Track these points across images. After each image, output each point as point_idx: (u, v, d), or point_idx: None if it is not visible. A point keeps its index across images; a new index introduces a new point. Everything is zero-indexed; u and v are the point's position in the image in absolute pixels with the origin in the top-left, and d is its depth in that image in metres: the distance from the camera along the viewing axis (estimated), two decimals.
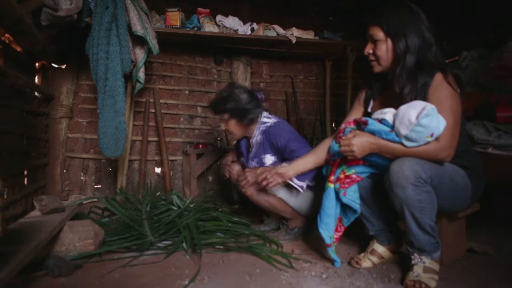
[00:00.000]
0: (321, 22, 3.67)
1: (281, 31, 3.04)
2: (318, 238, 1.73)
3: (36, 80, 2.63)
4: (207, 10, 3.02)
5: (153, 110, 3.12)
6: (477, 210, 1.71)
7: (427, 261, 1.41)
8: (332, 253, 1.61)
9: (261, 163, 2.08)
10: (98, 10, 2.20)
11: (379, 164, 1.49)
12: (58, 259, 1.54)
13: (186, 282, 1.45)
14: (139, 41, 2.43)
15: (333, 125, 3.68)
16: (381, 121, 1.43)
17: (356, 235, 1.91)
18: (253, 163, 2.14)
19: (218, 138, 3.13)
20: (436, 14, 1.75)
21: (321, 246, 1.79)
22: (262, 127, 2.10)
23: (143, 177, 3.01)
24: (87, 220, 1.85)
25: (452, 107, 1.39)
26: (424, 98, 1.42)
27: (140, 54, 2.46)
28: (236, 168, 2.26)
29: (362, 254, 1.65)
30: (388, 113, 1.43)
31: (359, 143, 1.41)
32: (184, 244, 1.82)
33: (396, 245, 1.67)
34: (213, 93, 3.30)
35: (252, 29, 3.03)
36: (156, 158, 3.14)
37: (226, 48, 3.34)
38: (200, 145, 3.11)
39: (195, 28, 2.88)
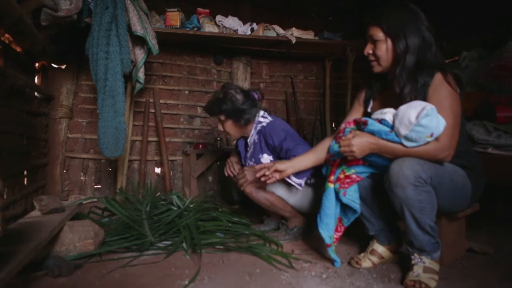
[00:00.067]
0: (321, 22, 3.67)
1: (281, 31, 3.04)
2: (318, 238, 1.73)
3: (36, 80, 2.63)
4: (207, 10, 3.02)
5: (153, 110, 3.12)
6: (477, 210, 1.71)
7: (427, 261, 1.42)
8: (332, 253, 1.61)
9: (258, 163, 2.08)
10: (98, 10, 2.20)
11: (379, 164, 1.49)
12: (58, 259, 1.54)
13: (186, 282, 1.45)
14: (138, 41, 2.43)
15: (333, 125, 3.68)
16: (381, 121, 1.43)
17: (356, 235, 1.91)
18: (250, 163, 2.15)
19: (218, 138, 3.13)
20: (436, 14, 1.75)
21: (321, 246, 1.79)
22: (258, 126, 2.11)
23: (143, 177, 3.01)
24: (87, 220, 1.85)
25: (451, 107, 1.39)
26: (424, 98, 1.42)
27: (140, 54, 2.46)
28: (237, 167, 2.27)
29: (362, 254, 1.65)
30: (387, 113, 1.43)
31: (359, 143, 1.41)
32: (184, 244, 1.82)
33: (396, 245, 1.67)
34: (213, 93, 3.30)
35: (252, 29, 3.03)
36: (156, 158, 3.14)
37: (226, 48, 3.34)
38: (200, 145, 3.11)
39: (195, 28, 2.88)
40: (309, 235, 2.04)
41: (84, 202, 2.24)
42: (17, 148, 2.07)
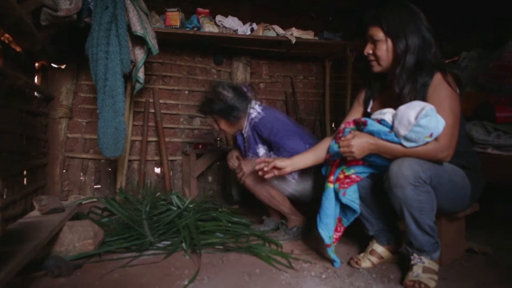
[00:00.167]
0: (321, 22, 3.67)
1: (280, 31, 3.04)
2: (317, 238, 1.72)
3: (36, 80, 2.63)
4: (207, 10, 3.02)
5: (152, 110, 3.12)
6: (476, 210, 1.71)
7: (427, 261, 1.42)
8: (331, 253, 1.61)
9: (256, 154, 2.11)
10: (98, 10, 2.20)
11: (379, 164, 1.49)
12: (58, 259, 1.54)
13: (186, 282, 1.45)
14: (138, 41, 2.43)
15: (333, 125, 3.68)
16: (380, 121, 1.43)
17: (355, 235, 1.91)
18: (250, 155, 2.18)
19: (218, 138, 3.13)
20: (436, 14, 1.75)
21: (320, 246, 1.79)
22: (250, 119, 2.12)
23: (143, 177, 3.01)
24: (86, 220, 1.85)
25: (451, 107, 1.39)
26: (424, 98, 1.42)
27: (139, 54, 2.46)
28: (236, 161, 2.29)
29: (362, 254, 1.65)
30: (387, 114, 1.43)
31: (358, 144, 1.41)
32: (183, 244, 1.82)
33: (396, 245, 1.67)
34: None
35: (252, 29, 3.03)
36: (156, 158, 3.14)
37: (226, 48, 3.34)
38: (200, 145, 3.11)
39: (195, 28, 2.88)
40: (309, 235, 2.04)
41: (83, 202, 2.25)
42: (16, 148, 2.07)
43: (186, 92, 3.30)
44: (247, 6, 3.44)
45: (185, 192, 3.06)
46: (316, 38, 3.19)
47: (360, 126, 1.50)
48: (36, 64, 2.60)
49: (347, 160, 1.53)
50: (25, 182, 2.25)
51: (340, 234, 1.66)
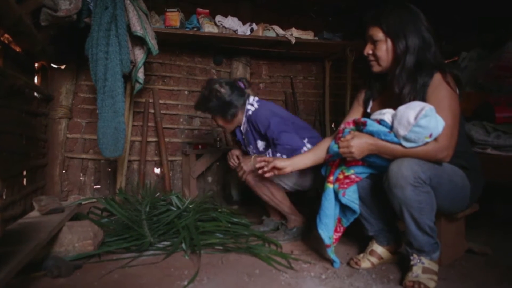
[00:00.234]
0: (321, 22, 3.67)
1: (280, 31, 3.04)
2: (317, 238, 1.73)
3: (36, 81, 2.63)
4: (207, 11, 3.02)
5: (152, 111, 3.12)
6: (476, 211, 1.71)
7: (426, 262, 1.42)
8: (331, 253, 1.61)
9: (256, 148, 2.13)
10: (98, 11, 2.20)
11: (378, 165, 1.49)
12: (57, 259, 1.54)
13: (185, 283, 1.45)
14: (138, 41, 2.43)
15: (333, 126, 3.68)
16: (380, 121, 1.43)
17: (355, 236, 1.91)
18: (250, 150, 2.19)
19: (218, 139, 3.13)
20: (436, 14, 1.75)
21: (320, 246, 1.79)
22: (247, 114, 2.12)
23: (143, 177, 3.01)
24: (86, 220, 1.85)
25: (450, 107, 1.39)
26: (423, 98, 1.42)
27: (139, 55, 2.46)
28: (236, 160, 2.28)
29: (361, 255, 1.65)
30: (386, 114, 1.43)
31: (358, 144, 1.41)
32: (183, 245, 1.82)
33: (395, 246, 1.67)
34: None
35: (252, 30, 3.03)
36: (156, 158, 3.14)
37: (226, 49, 3.34)
38: (200, 146, 3.11)
39: (195, 29, 2.88)
40: (309, 236, 2.04)
41: (83, 203, 2.25)
42: (16, 148, 2.07)
43: (186, 92, 3.30)
44: (247, 6, 3.44)
45: (184, 192, 3.06)
46: (316, 38, 3.19)
47: (359, 127, 1.50)
48: (36, 64, 2.60)
49: (346, 160, 1.53)
50: (24, 182, 2.25)
51: (339, 234, 1.66)
